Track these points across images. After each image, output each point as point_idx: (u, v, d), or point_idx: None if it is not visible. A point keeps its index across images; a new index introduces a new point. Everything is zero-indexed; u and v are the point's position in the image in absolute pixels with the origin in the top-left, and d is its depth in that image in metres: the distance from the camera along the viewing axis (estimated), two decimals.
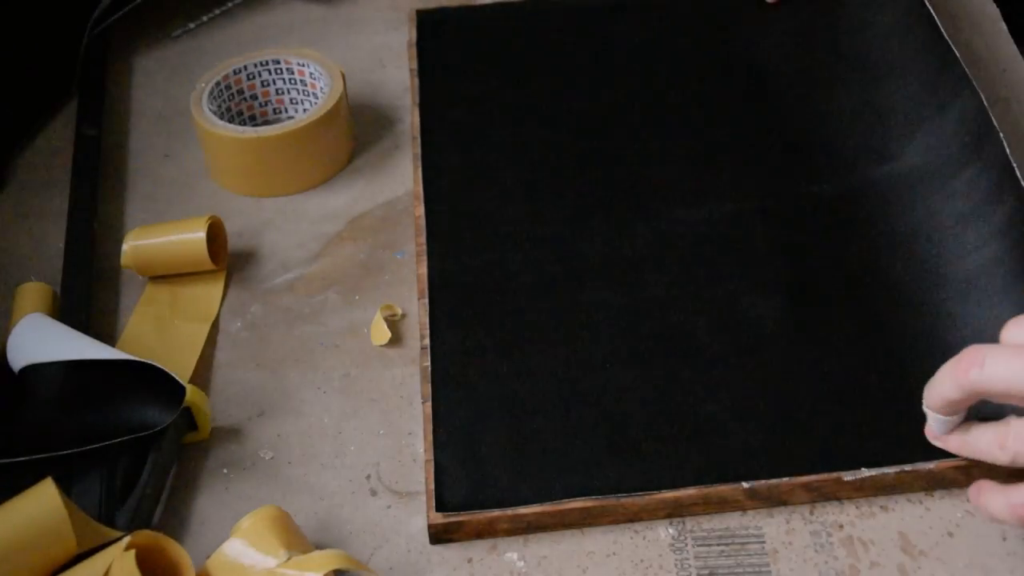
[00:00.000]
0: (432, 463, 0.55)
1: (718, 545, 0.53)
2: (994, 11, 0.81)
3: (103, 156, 0.75)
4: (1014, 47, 0.78)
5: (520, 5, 0.83)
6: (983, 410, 0.53)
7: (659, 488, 0.53)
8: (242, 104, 0.76)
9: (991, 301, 0.60)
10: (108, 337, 0.64)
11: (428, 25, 0.82)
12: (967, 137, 0.65)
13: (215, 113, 0.72)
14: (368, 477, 0.57)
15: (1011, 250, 0.61)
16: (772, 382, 0.57)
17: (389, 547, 0.54)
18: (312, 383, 0.62)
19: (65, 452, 0.55)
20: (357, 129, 0.76)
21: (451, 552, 0.54)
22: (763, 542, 0.53)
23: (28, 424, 0.58)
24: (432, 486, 0.54)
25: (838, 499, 0.54)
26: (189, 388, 0.57)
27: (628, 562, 0.53)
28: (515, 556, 0.53)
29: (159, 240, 0.66)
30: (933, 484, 0.54)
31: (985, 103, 0.66)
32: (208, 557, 0.51)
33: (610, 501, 0.53)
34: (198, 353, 0.63)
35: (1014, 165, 0.65)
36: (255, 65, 0.75)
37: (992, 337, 0.57)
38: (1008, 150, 0.66)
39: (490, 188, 0.69)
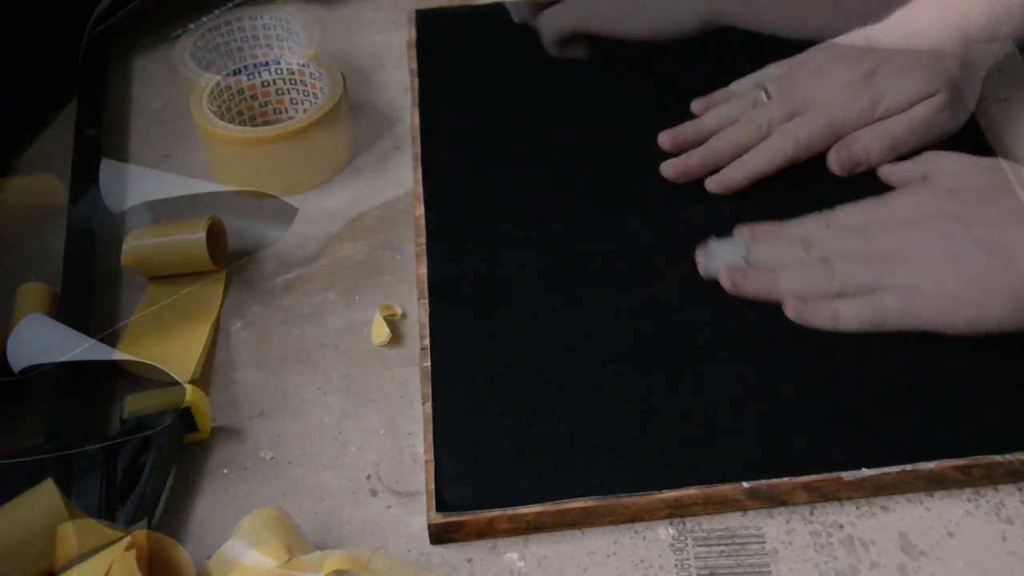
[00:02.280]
0: (432, 463, 0.55)
1: (718, 545, 0.53)
2: None
3: (103, 156, 0.75)
4: (1014, 47, 0.78)
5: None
6: None
7: (659, 488, 0.53)
8: (242, 104, 0.76)
9: None
10: (108, 337, 0.64)
11: (428, 25, 0.82)
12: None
13: (215, 113, 0.72)
14: (368, 477, 0.57)
15: None
16: (772, 382, 0.57)
17: (389, 547, 0.54)
18: (312, 383, 0.62)
19: (65, 452, 0.55)
20: (357, 129, 0.76)
21: (451, 552, 0.53)
22: (763, 542, 0.53)
23: (28, 424, 0.58)
24: (432, 486, 0.54)
25: (838, 499, 0.54)
26: (189, 388, 0.57)
27: (628, 562, 0.53)
28: (515, 556, 0.53)
29: (159, 240, 0.66)
30: (933, 484, 0.54)
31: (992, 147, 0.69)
32: (208, 557, 0.51)
33: (610, 501, 0.53)
34: (198, 353, 0.63)
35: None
36: (255, 65, 0.75)
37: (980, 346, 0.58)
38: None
39: (490, 188, 0.69)
